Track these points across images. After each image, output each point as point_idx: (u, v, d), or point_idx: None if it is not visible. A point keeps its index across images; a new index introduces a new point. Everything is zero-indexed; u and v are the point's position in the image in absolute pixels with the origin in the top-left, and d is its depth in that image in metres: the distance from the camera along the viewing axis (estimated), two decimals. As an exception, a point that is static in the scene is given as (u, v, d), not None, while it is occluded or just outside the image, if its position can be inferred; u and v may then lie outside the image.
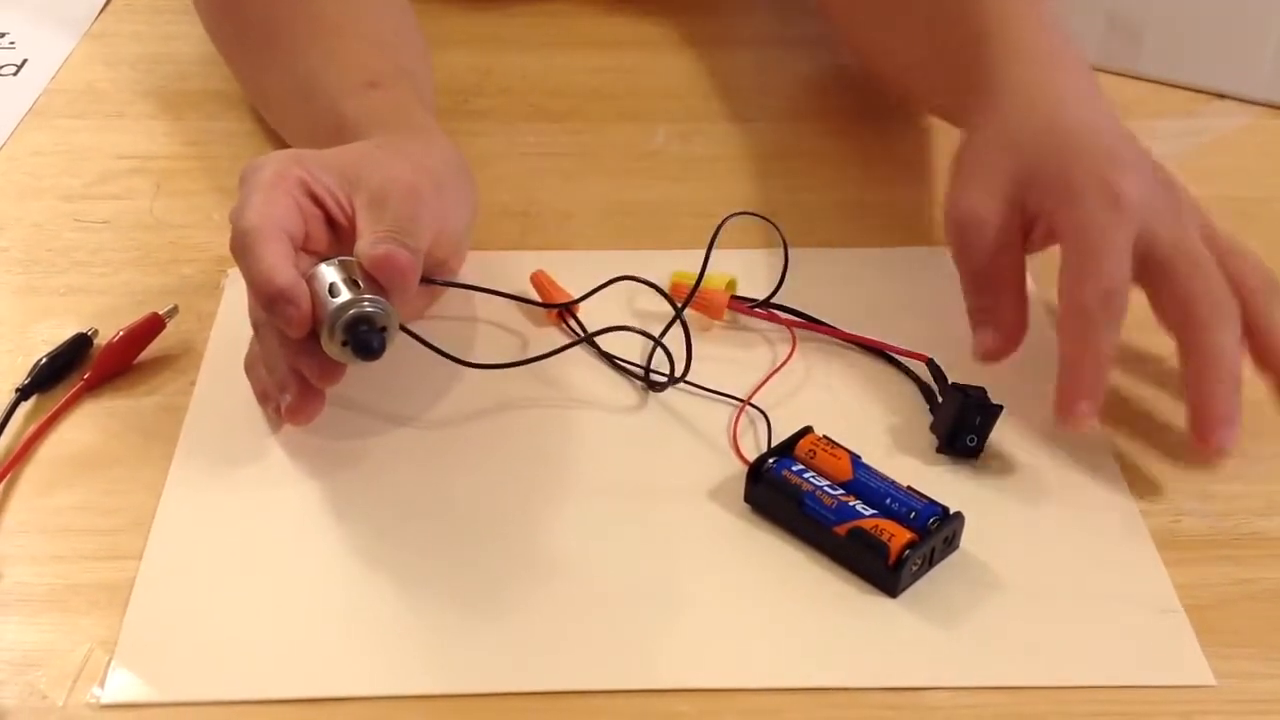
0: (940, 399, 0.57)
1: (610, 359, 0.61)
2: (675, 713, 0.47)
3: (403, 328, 0.55)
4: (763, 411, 0.58)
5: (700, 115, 0.81)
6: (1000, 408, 0.56)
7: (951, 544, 0.52)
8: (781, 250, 0.64)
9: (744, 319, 0.63)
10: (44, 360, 0.60)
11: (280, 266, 0.52)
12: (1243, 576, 0.52)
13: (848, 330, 0.62)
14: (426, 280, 0.56)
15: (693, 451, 0.57)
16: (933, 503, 0.52)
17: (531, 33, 0.89)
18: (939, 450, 0.56)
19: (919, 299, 0.63)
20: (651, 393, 0.60)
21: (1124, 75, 0.85)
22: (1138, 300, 0.55)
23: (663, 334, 0.60)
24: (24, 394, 0.58)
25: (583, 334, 0.62)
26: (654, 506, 0.54)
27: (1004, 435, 0.56)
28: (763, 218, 0.65)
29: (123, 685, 0.48)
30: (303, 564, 0.52)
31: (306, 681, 0.48)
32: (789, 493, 0.53)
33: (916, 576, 0.51)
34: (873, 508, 0.52)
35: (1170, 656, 0.49)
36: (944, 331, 0.60)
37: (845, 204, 0.72)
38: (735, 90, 0.83)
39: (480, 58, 0.85)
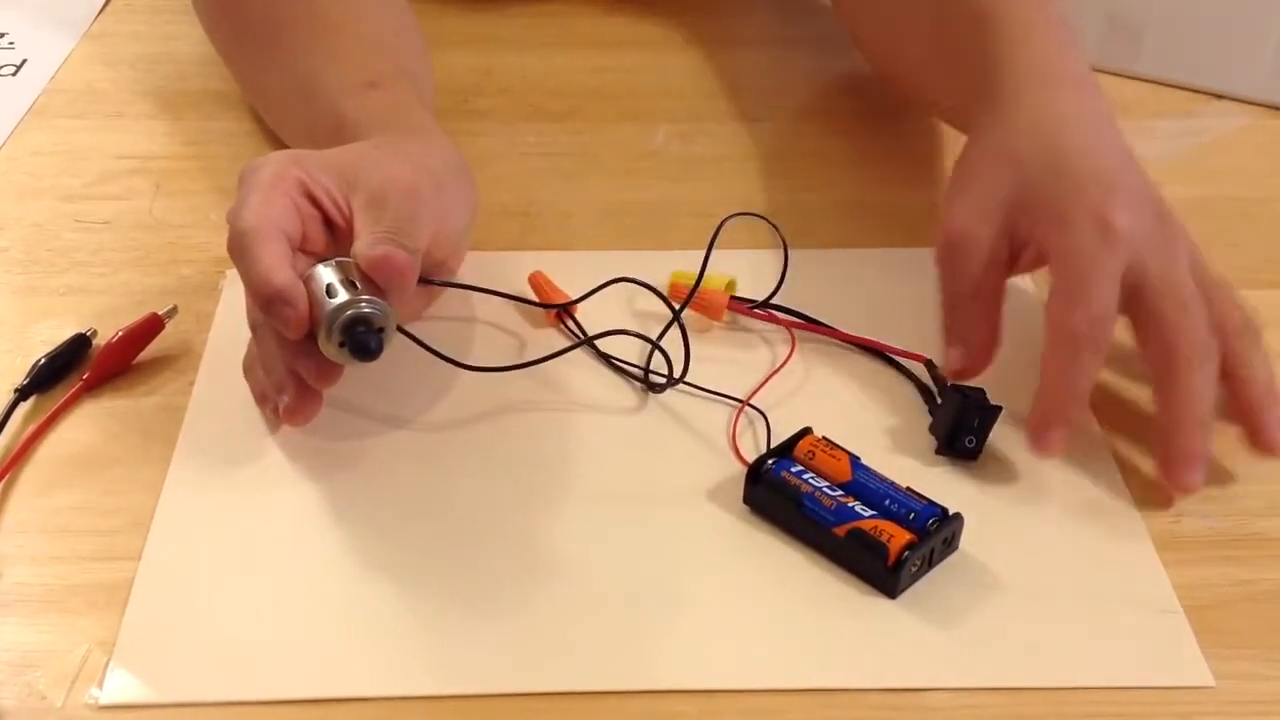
0: (939, 400, 0.57)
1: (609, 360, 0.61)
2: (675, 713, 0.47)
3: (401, 330, 0.55)
4: (762, 412, 0.58)
5: (700, 115, 0.81)
6: (999, 409, 0.56)
7: (951, 545, 0.52)
8: (780, 250, 0.64)
9: (744, 319, 0.63)
10: (43, 360, 0.60)
11: (278, 267, 0.52)
12: (1242, 577, 0.52)
13: (847, 331, 0.62)
14: (425, 281, 0.56)
15: (692, 452, 0.57)
16: (932, 504, 0.52)
17: (531, 33, 0.89)
18: (938, 451, 0.56)
19: (919, 300, 0.63)
20: (650, 394, 0.59)
21: (1124, 75, 0.85)
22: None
23: (660, 336, 0.60)
24: (23, 394, 0.58)
25: (581, 335, 0.62)
26: (653, 507, 0.54)
27: (1003, 436, 0.56)
28: (763, 218, 0.65)
29: (121, 686, 0.48)
30: (302, 564, 0.52)
31: (306, 682, 0.48)
32: (788, 494, 0.53)
33: (916, 577, 0.51)
34: (872, 509, 0.52)
35: (1170, 657, 0.49)
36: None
37: (845, 205, 0.72)
38: (736, 90, 0.83)
39: (480, 58, 0.85)
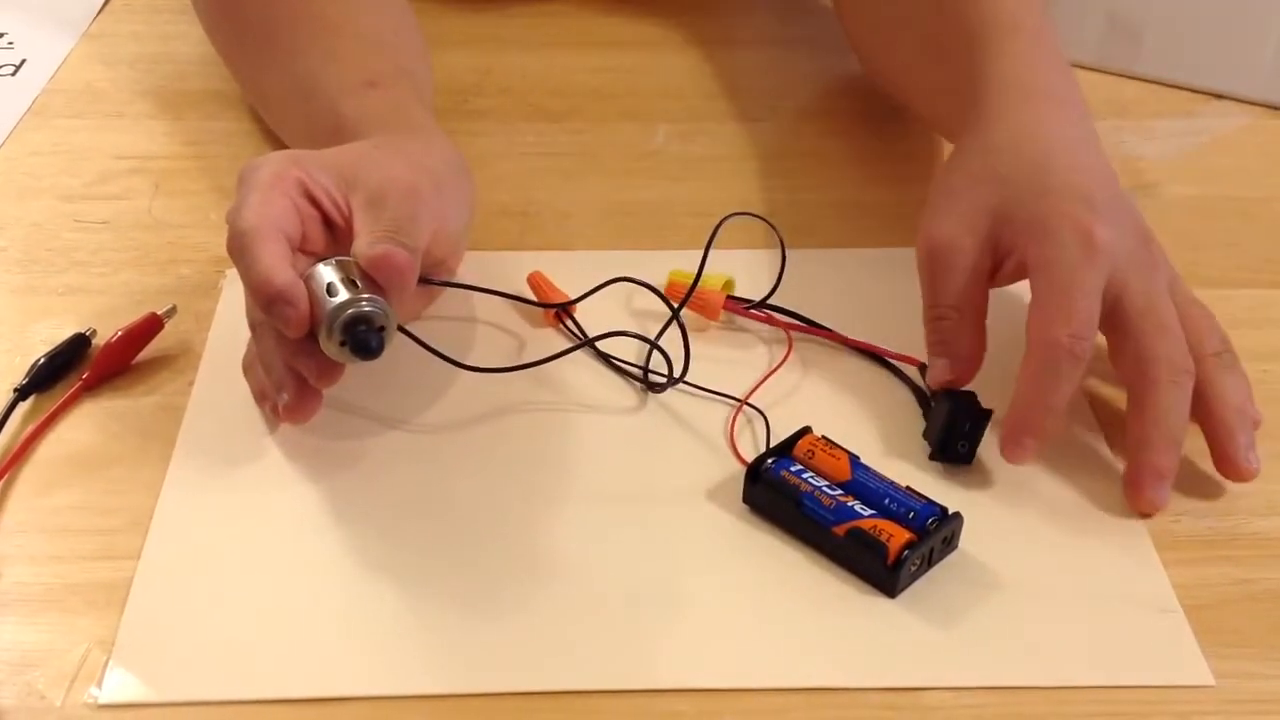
0: (932, 405, 0.57)
1: (609, 360, 0.61)
2: (674, 712, 0.47)
3: (403, 330, 0.55)
4: (761, 412, 0.58)
5: (700, 115, 0.81)
6: (990, 413, 0.55)
7: (950, 544, 0.52)
8: (778, 251, 0.64)
9: (740, 319, 0.63)
10: (42, 360, 0.60)
11: (278, 267, 0.52)
12: (1242, 576, 0.52)
13: (843, 332, 0.62)
14: (424, 280, 0.56)
15: (691, 452, 0.57)
16: (931, 503, 0.52)
17: (531, 33, 0.89)
18: (931, 457, 0.56)
19: (917, 301, 0.63)
20: (649, 394, 0.59)
21: (1124, 75, 0.85)
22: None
23: (659, 335, 0.60)
24: (22, 394, 0.58)
25: (580, 335, 0.62)
26: (653, 507, 0.54)
27: (999, 439, 0.56)
28: (760, 218, 0.65)
29: (121, 685, 0.48)
30: (302, 564, 0.52)
31: (305, 681, 0.48)
32: (787, 493, 0.53)
33: (915, 577, 0.51)
34: (871, 508, 0.52)
35: (1169, 656, 0.49)
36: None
37: (844, 204, 0.72)
38: (735, 90, 0.83)
39: (480, 58, 0.85)
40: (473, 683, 0.48)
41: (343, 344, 0.52)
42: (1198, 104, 0.83)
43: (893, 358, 0.61)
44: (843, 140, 0.78)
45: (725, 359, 0.61)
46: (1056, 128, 0.60)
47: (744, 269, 0.65)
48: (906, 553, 0.50)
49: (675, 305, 0.60)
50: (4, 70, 0.84)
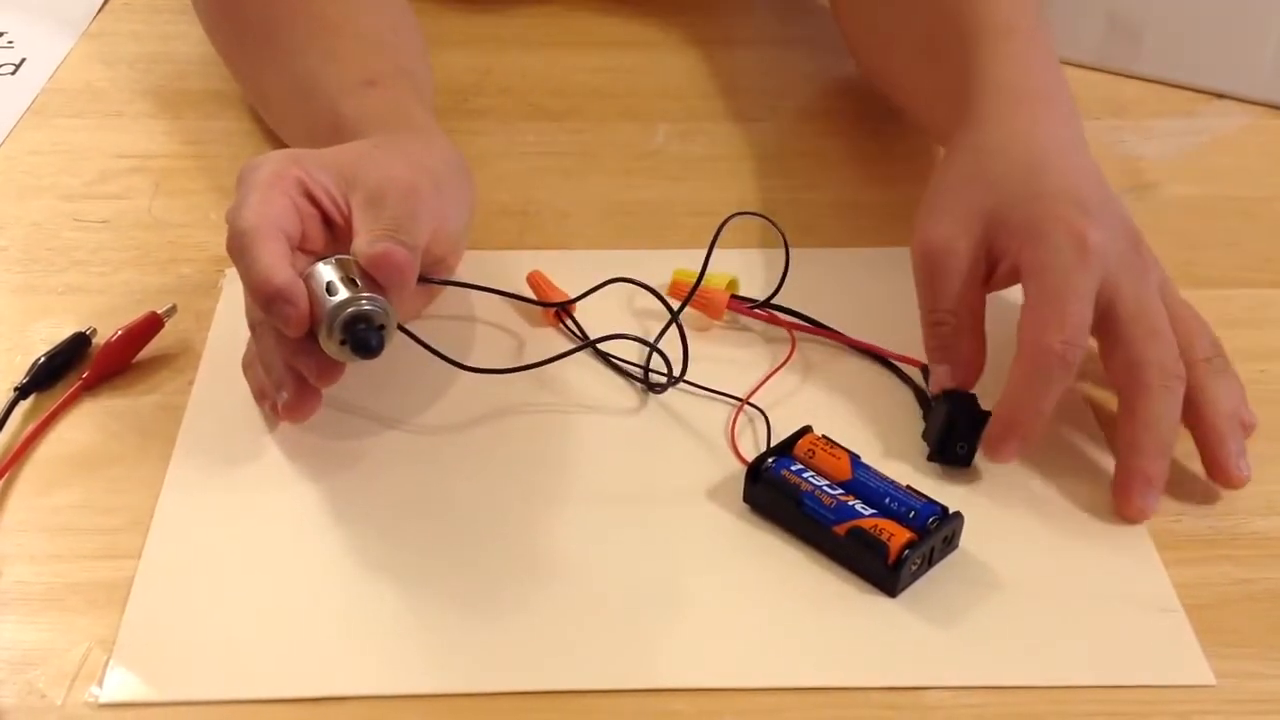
0: (932, 405, 0.57)
1: (609, 360, 0.61)
2: (673, 712, 0.47)
3: (402, 329, 0.55)
4: (762, 411, 0.58)
5: (700, 115, 0.81)
6: (989, 414, 0.55)
7: (951, 543, 0.52)
8: (780, 250, 0.64)
9: (743, 318, 0.63)
10: (42, 359, 0.60)
11: (277, 266, 0.52)
12: (1243, 576, 0.52)
13: (843, 330, 0.62)
14: (424, 279, 0.56)
15: (691, 452, 0.57)
16: (932, 502, 0.52)
17: (531, 33, 0.89)
18: (930, 458, 0.56)
19: (916, 300, 0.63)
20: (650, 393, 0.59)
21: (1124, 75, 0.85)
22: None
23: (658, 338, 0.60)
24: (22, 393, 0.58)
25: (580, 334, 0.62)
26: (653, 507, 0.54)
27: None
28: (764, 217, 0.65)
29: (121, 684, 0.47)
30: (302, 563, 0.52)
31: (305, 681, 0.48)
32: (788, 492, 0.53)
33: (916, 576, 0.51)
34: (872, 507, 0.52)
35: (1170, 656, 0.49)
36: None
37: (844, 204, 0.72)
38: (735, 90, 0.83)
39: (480, 57, 0.85)
40: (472, 682, 0.48)
41: (342, 343, 0.52)
42: (1198, 104, 0.83)
43: (894, 359, 0.61)
44: (842, 140, 0.78)
45: (727, 358, 0.61)
46: (1049, 130, 0.60)
47: (743, 268, 0.65)
48: (907, 552, 0.50)
49: (675, 306, 0.60)
50: (4, 69, 0.84)
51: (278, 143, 0.72)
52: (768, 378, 0.60)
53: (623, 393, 0.60)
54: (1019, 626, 0.50)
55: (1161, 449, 0.53)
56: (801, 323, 0.62)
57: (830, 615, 0.50)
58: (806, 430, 0.55)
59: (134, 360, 0.61)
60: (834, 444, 0.54)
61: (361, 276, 0.53)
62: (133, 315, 0.61)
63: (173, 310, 0.62)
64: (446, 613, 0.50)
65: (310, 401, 0.54)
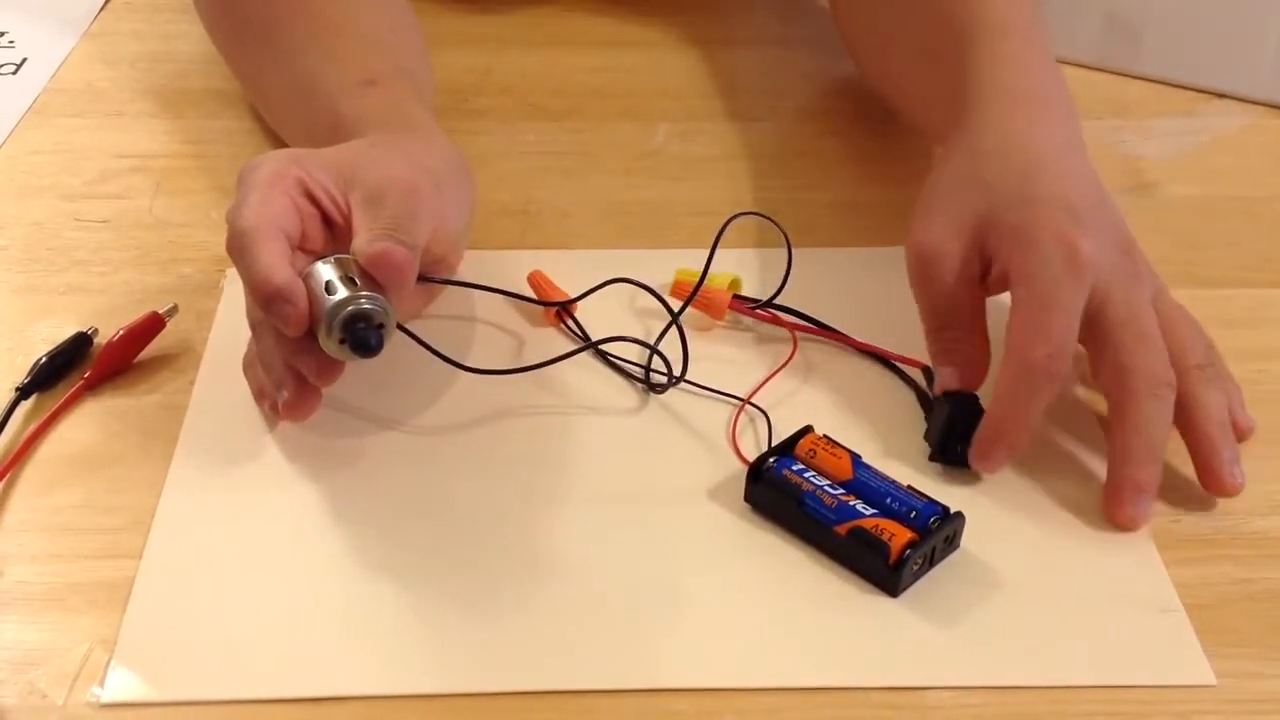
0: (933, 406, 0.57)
1: (610, 360, 0.61)
2: (674, 711, 0.47)
3: (402, 329, 0.55)
4: (763, 411, 0.58)
5: (700, 115, 0.81)
6: None
7: (952, 543, 0.52)
8: (778, 249, 0.64)
9: (745, 318, 0.63)
10: (44, 359, 0.60)
11: (277, 266, 0.52)
12: (1243, 576, 0.52)
13: (843, 329, 0.62)
14: (423, 278, 0.56)
15: (692, 451, 0.57)
16: (933, 502, 0.52)
17: (531, 32, 0.89)
18: (931, 459, 0.56)
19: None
20: (651, 394, 0.59)
21: (1124, 75, 0.85)
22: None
23: (658, 340, 0.60)
24: (24, 393, 0.58)
25: (580, 334, 0.62)
26: (654, 507, 0.54)
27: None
28: (766, 217, 0.65)
29: (122, 684, 0.48)
30: (303, 563, 0.52)
31: (306, 681, 0.48)
32: (789, 492, 0.53)
33: (917, 576, 0.51)
34: (873, 507, 0.52)
35: (1170, 656, 0.49)
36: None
37: (843, 204, 0.72)
38: (735, 90, 0.83)
39: (480, 57, 0.85)
40: (472, 682, 0.48)
41: (342, 342, 0.52)
42: (1198, 103, 0.83)
43: (895, 359, 0.61)
44: (841, 140, 0.78)
45: (728, 358, 0.61)
46: (1046, 132, 0.59)
47: (743, 267, 0.65)
48: (908, 552, 0.50)
49: (675, 307, 0.60)
50: (5, 69, 0.84)
51: (278, 142, 0.72)
52: (769, 378, 0.60)
53: (623, 393, 0.60)
54: (1020, 626, 0.50)
55: (1152, 455, 0.53)
56: (803, 323, 0.62)
57: (831, 615, 0.50)
58: (808, 430, 0.55)
59: (135, 360, 0.61)
60: (835, 444, 0.54)
61: (361, 276, 0.53)
62: (134, 315, 0.61)
63: (174, 310, 0.62)
64: (446, 613, 0.50)
65: (310, 401, 0.55)
